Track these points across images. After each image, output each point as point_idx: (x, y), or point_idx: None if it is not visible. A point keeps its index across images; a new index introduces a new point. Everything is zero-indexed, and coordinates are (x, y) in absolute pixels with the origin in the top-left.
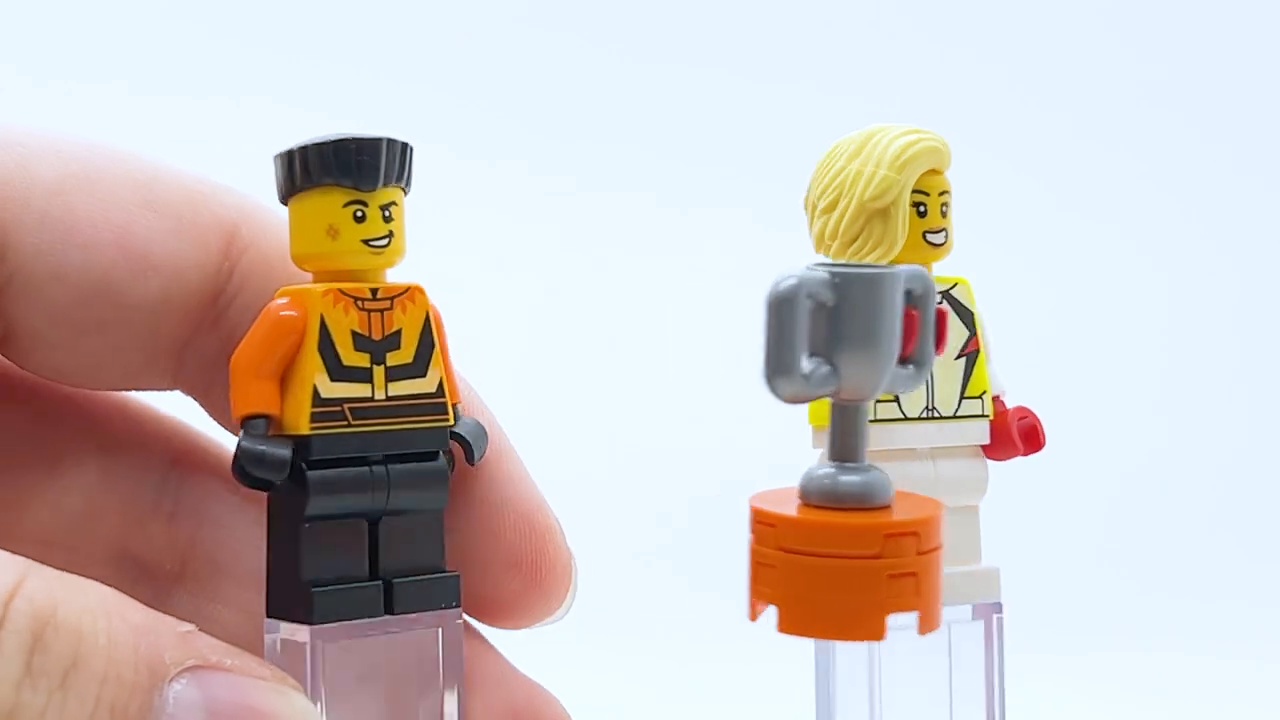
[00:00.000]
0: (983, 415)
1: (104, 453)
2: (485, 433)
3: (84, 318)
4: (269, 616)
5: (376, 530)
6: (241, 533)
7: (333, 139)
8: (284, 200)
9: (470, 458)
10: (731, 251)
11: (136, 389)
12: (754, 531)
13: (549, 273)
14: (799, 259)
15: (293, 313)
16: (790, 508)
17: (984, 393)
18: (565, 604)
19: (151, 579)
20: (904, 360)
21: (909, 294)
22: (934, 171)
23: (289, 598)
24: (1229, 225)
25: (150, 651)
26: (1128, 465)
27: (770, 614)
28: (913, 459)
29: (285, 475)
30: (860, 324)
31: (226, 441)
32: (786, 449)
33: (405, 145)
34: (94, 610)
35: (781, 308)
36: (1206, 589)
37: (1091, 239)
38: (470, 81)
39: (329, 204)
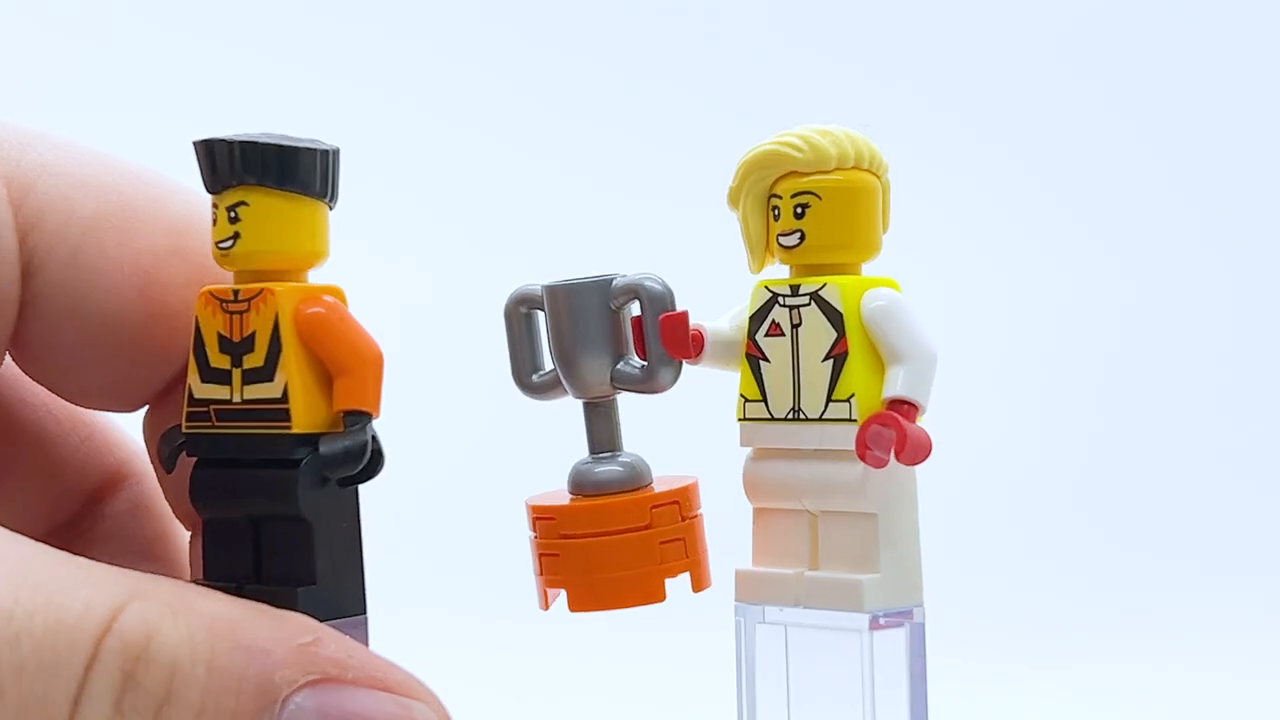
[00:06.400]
0: (849, 419)
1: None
2: (354, 456)
3: (93, 353)
4: None
5: (258, 534)
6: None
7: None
8: None
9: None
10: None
11: (123, 411)
12: (535, 527)
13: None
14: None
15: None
16: (563, 500)
17: (851, 396)
18: None
19: None
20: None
21: (640, 303)
22: (792, 174)
23: None
24: (1190, 228)
25: (259, 674)
26: (1067, 467)
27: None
28: (798, 459)
29: (170, 467)
30: (565, 331)
31: None
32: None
33: (252, 145)
34: (195, 638)
35: (505, 321)
36: (1142, 594)
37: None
38: (432, 85)
39: None
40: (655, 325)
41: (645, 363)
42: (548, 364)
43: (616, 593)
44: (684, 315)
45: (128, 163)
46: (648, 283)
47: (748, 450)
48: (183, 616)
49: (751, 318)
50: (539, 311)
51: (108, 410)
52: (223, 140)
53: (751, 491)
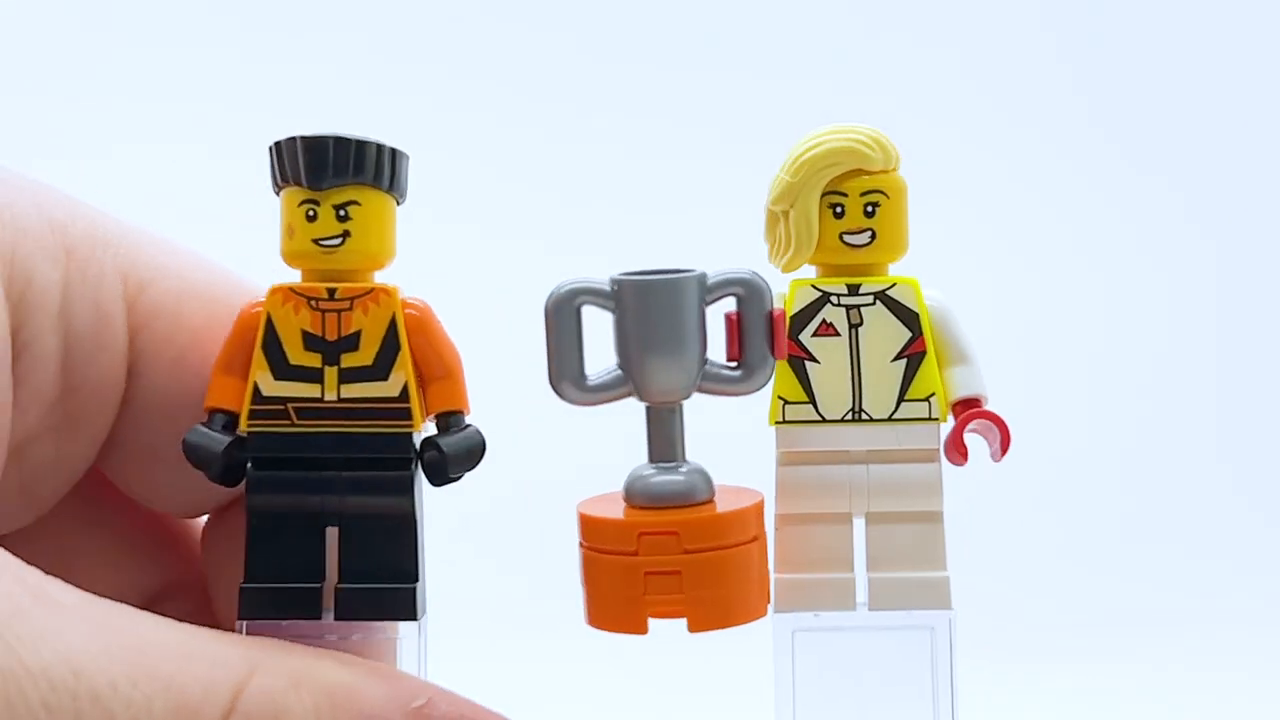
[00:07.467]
0: (929, 418)
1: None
2: (477, 455)
3: (175, 455)
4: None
5: (340, 533)
6: None
7: (285, 139)
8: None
9: (433, 474)
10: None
11: (184, 516)
12: (639, 544)
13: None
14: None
15: (256, 310)
16: (617, 511)
17: (931, 395)
18: None
19: None
20: (734, 362)
21: (738, 299)
22: (857, 172)
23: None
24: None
25: None
26: (1095, 469)
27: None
28: (849, 461)
29: (217, 468)
30: (641, 328)
31: None
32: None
33: (370, 146)
34: (320, 713)
35: (551, 316)
36: (1169, 598)
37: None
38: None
39: (289, 204)
40: (761, 323)
41: (738, 363)
42: (589, 365)
43: (735, 609)
44: (784, 313)
45: (231, 272)
46: (753, 278)
47: (774, 455)
48: (305, 689)
49: (793, 317)
50: (590, 307)
51: (171, 512)
52: (341, 138)
53: (788, 497)
